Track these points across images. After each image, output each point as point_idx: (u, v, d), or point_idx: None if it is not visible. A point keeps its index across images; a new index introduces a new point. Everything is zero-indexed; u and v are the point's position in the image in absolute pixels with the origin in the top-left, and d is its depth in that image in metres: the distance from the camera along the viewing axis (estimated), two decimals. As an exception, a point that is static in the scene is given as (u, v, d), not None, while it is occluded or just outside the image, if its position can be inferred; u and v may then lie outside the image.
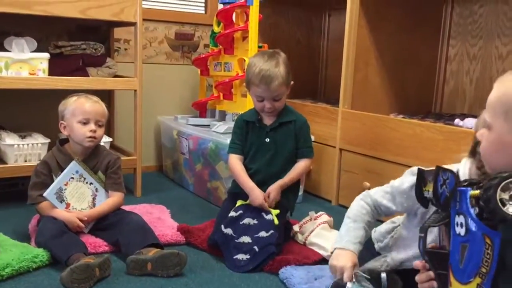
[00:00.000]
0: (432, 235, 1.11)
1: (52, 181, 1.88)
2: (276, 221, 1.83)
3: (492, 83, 0.98)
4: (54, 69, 2.33)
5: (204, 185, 2.59)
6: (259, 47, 2.60)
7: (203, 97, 3.01)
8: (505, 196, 0.88)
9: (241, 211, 1.88)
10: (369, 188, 1.83)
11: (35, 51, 2.30)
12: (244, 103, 2.53)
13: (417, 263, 1.04)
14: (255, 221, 1.84)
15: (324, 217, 2.00)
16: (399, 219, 1.47)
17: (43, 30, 2.65)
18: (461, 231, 0.96)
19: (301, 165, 1.97)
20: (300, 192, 2.59)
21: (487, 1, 2.49)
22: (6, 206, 2.29)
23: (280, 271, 1.69)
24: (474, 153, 1.15)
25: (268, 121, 1.97)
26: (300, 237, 1.95)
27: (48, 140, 2.35)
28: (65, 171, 1.88)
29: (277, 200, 1.89)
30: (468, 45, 2.61)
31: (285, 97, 1.94)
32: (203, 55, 2.90)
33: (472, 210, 0.94)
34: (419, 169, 1.10)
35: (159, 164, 3.20)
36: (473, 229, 0.94)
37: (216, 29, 2.80)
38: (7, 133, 2.38)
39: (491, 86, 0.98)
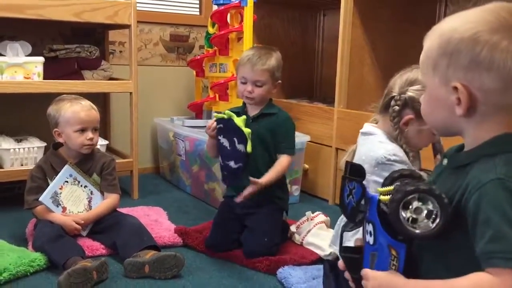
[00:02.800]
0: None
1: (48, 185, 1.88)
2: (249, 148, 1.72)
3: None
4: (49, 72, 2.33)
5: (201, 187, 2.59)
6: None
7: (199, 98, 3.01)
8: (408, 212, 0.87)
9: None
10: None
11: (29, 55, 2.30)
12: (240, 104, 2.52)
13: (340, 264, 1.04)
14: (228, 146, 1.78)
15: (321, 217, 2.00)
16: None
17: (38, 34, 2.65)
18: (370, 239, 0.95)
19: (280, 162, 1.90)
20: (297, 192, 2.60)
21: (481, 0, 2.51)
22: (3, 210, 2.28)
23: (277, 271, 1.70)
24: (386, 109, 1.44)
25: (252, 112, 1.98)
26: (297, 237, 1.96)
27: (44, 144, 2.35)
28: (59, 175, 1.88)
29: (251, 192, 1.80)
30: (462, 43, 2.62)
31: (269, 90, 1.94)
32: (198, 57, 2.90)
33: (379, 219, 0.92)
34: (342, 176, 1.07)
35: (155, 166, 3.20)
36: (380, 239, 0.93)
37: (211, 30, 2.80)
38: (3, 138, 2.38)
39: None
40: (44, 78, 2.29)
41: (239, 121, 1.72)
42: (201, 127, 2.73)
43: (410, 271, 0.91)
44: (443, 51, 0.86)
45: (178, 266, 1.66)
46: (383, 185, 1.03)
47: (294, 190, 2.56)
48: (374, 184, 1.42)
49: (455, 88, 0.85)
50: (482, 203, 0.80)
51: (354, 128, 2.42)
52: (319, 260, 1.80)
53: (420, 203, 0.86)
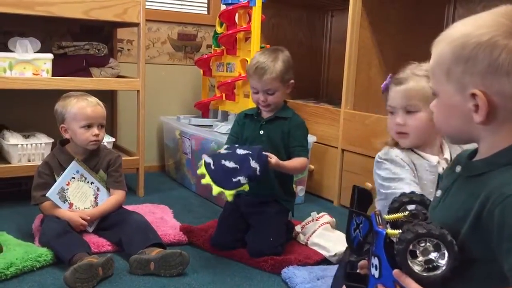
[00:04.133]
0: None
1: (55, 181, 1.89)
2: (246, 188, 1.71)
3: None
4: (58, 69, 2.34)
5: (206, 185, 2.59)
6: (262, 47, 2.61)
7: (205, 97, 3.02)
8: (418, 254, 0.86)
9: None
10: (370, 189, 1.85)
11: (38, 51, 2.31)
12: (247, 104, 2.53)
13: None
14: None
15: (326, 217, 2.00)
16: None
17: (47, 31, 2.67)
18: (375, 273, 0.95)
19: (297, 160, 1.91)
20: (302, 193, 2.60)
21: (489, 2, 2.49)
22: (10, 205, 2.30)
23: (282, 271, 1.70)
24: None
25: (265, 114, 1.98)
26: (302, 238, 1.96)
27: (52, 140, 2.36)
28: (66, 171, 1.89)
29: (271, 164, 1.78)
30: (471, 46, 2.61)
31: (282, 94, 1.93)
32: (206, 56, 2.91)
33: (385, 255, 0.91)
34: (350, 209, 1.07)
35: (161, 164, 3.21)
36: (386, 274, 0.92)
37: (218, 29, 2.81)
38: (11, 133, 2.39)
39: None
40: (52, 75, 2.31)
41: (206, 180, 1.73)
42: (207, 126, 2.75)
43: None
44: (458, 57, 0.83)
45: (183, 264, 1.67)
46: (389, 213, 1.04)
47: (299, 191, 2.56)
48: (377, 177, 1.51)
49: (473, 95, 0.82)
50: (508, 217, 0.77)
51: (360, 130, 2.43)
52: (323, 260, 1.80)
53: (423, 244, 0.86)
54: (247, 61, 2.55)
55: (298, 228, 2.01)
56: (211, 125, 2.71)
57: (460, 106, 0.85)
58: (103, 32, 2.87)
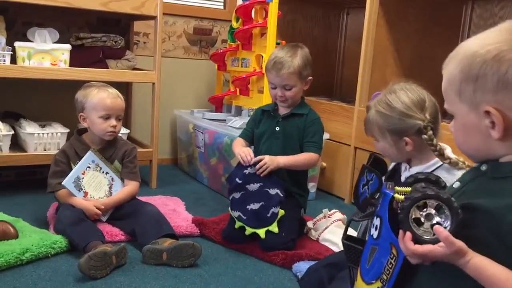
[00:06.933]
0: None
1: (71, 169, 1.92)
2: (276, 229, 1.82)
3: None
4: (75, 60, 2.37)
5: (218, 179, 2.61)
6: (277, 43, 2.61)
7: (219, 92, 3.04)
8: (421, 215, 0.85)
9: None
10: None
11: (57, 42, 2.34)
12: (261, 99, 2.54)
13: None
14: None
15: (338, 214, 2.01)
16: None
17: (65, 22, 2.69)
18: (374, 233, 0.95)
19: (304, 155, 1.93)
20: (314, 190, 2.61)
21: (508, 2, 2.48)
22: (26, 193, 2.33)
23: (293, 265, 1.71)
24: None
25: (282, 111, 2.00)
26: (313, 233, 1.97)
27: (67, 130, 2.39)
28: (81, 160, 1.92)
29: (267, 168, 1.85)
30: (487, 47, 2.59)
31: (299, 90, 1.95)
32: (221, 51, 2.92)
33: (387, 217, 0.91)
34: (363, 165, 1.06)
35: (174, 157, 3.23)
36: (384, 235, 0.93)
37: (234, 24, 2.82)
38: (28, 122, 2.42)
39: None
40: (70, 65, 2.33)
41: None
42: (220, 120, 2.76)
43: (406, 274, 0.90)
44: (467, 76, 0.84)
45: (195, 255, 1.69)
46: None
47: (311, 187, 2.56)
48: None
49: (487, 113, 0.82)
50: None
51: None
52: (334, 256, 1.81)
53: (434, 211, 0.85)
54: (262, 56, 2.57)
55: (310, 224, 2.02)
56: (225, 120, 2.72)
57: (477, 124, 0.85)
58: (120, 25, 2.89)
